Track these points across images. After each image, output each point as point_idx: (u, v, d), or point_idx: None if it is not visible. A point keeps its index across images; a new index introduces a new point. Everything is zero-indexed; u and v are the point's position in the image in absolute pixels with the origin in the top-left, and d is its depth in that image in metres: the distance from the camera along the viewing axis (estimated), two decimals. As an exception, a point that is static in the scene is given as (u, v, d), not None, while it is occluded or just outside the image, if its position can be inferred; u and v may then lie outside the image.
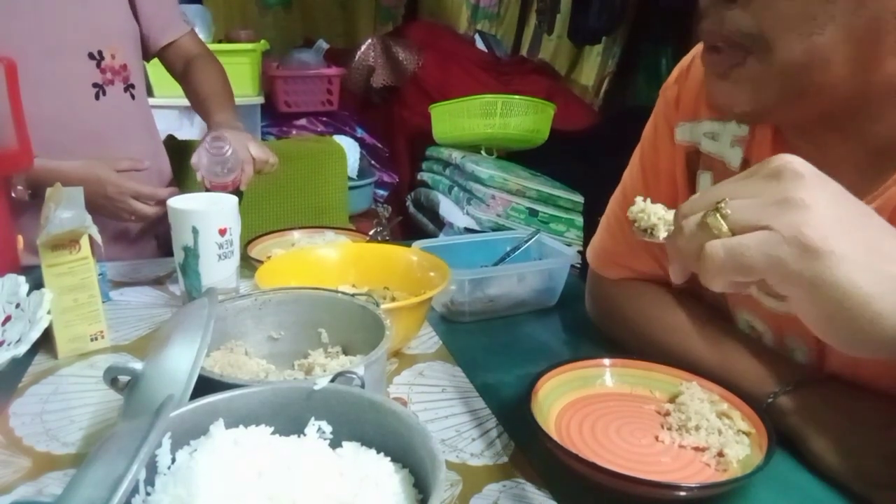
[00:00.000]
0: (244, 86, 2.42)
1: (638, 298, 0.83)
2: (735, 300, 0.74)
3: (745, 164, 0.68)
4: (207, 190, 1.01)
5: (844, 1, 0.49)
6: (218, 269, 0.88)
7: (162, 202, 1.10)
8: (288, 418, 0.50)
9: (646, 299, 0.83)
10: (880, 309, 0.41)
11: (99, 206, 1.11)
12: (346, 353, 0.70)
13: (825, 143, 0.60)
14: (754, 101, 0.55)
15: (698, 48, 0.72)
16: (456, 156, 2.40)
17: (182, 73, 1.32)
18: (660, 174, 0.79)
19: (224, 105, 1.22)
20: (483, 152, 2.47)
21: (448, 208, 2.37)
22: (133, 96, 1.25)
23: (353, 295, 0.71)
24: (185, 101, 1.32)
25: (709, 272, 0.44)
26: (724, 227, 0.43)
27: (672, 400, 0.69)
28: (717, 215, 0.44)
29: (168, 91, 2.04)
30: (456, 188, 2.37)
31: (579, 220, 2.28)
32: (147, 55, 1.33)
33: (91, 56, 1.17)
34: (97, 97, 1.19)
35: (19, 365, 0.74)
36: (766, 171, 0.44)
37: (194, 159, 1.01)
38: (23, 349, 0.68)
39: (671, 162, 0.77)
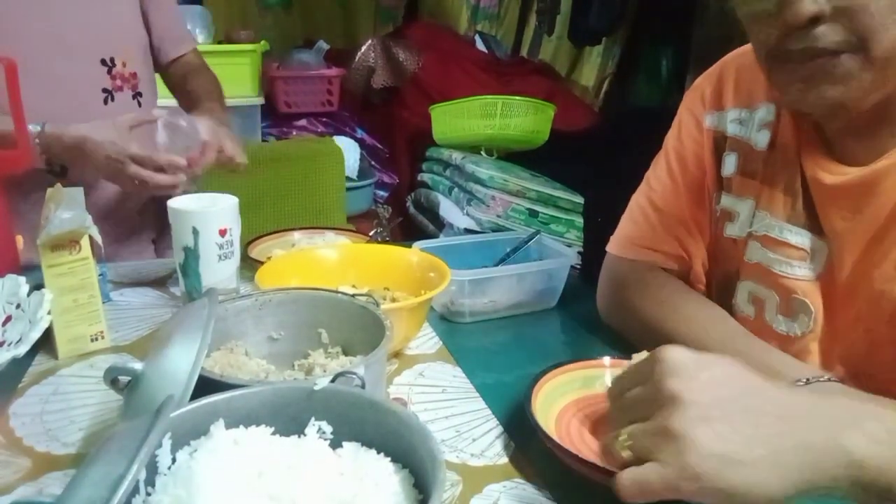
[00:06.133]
0: (244, 86, 2.42)
1: (655, 286, 0.84)
2: (746, 271, 0.78)
3: (772, 145, 0.76)
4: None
5: None
6: (218, 270, 0.88)
7: (161, 169, 1.08)
8: (288, 418, 0.50)
9: (664, 288, 0.84)
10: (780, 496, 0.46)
11: (102, 169, 1.08)
12: (346, 353, 0.70)
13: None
14: (846, 93, 0.61)
15: (727, 59, 0.83)
16: (456, 156, 2.40)
17: (179, 82, 1.36)
18: (686, 160, 0.85)
19: (215, 101, 1.26)
20: (483, 153, 2.46)
21: (448, 209, 2.37)
22: (140, 104, 1.27)
23: (353, 295, 0.71)
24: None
25: (625, 498, 0.49)
26: (630, 456, 0.50)
27: None
28: (621, 444, 0.51)
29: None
30: (456, 189, 2.36)
31: (579, 220, 2.28)
32: (156, 67, 1.36)
33: (103, 62, 1.19)
34: (106, 102, 1.20)
35: (19, 365, 0.74)
36: (652, 385, 0.51)
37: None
38: (23, 349, 0.68)
39: (699, 146, 0.84)
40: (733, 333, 0.75)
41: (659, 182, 0.88)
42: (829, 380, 0.65)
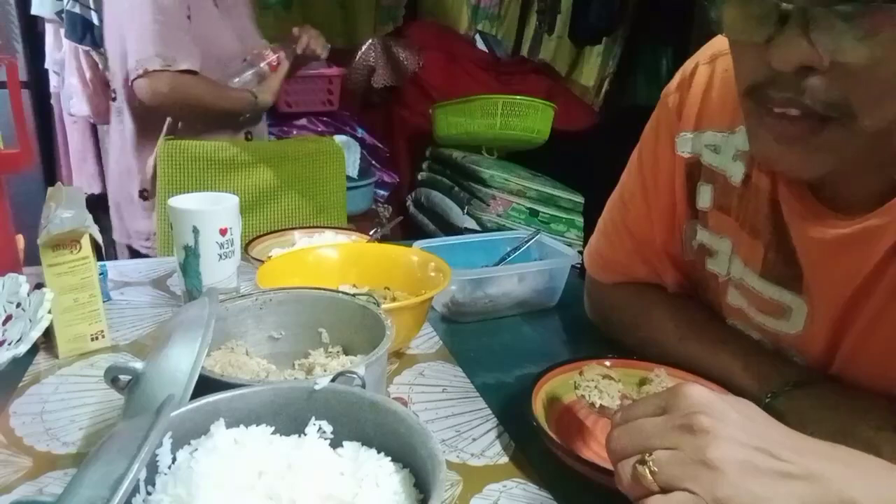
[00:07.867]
0: (244, 85, 2.41)
1: (635, 302, 0.84)
2: (729, 312, 0.74)
3: (748, 178, 0.67)
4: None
5: None
6: (218, 269, 0.88)
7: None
8: (288, 418, 0.50)
9: (643, 302, 0.83)
10: None
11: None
12: (346, 352, 0.70)
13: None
14: (829, 165, 0.53)
15: (701, 54, 0.72)
16: (457, 156, 2.40)
17: None
18: (659, 182, 0.78)
19: None
20: (484, 152, 2.46)
21: (448, 208, 2.37)
22: None
23: (353, 295, 0.71)
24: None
25: None
26: (653, 483, 0.46)
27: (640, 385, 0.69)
28: (646, 469, 0.46)
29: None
30: (456, 188, 2.37)
31: (580, 220, 2.28)
32: None
33: None
34: None
35: (20, 364, 0.74)
36: (681, 418, 0.47)
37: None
38: (23, 349, 0.68)
39: (671, 171, 0.75)
40: (715, 342, 0.73)
41: (633, 200, 0.81)
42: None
